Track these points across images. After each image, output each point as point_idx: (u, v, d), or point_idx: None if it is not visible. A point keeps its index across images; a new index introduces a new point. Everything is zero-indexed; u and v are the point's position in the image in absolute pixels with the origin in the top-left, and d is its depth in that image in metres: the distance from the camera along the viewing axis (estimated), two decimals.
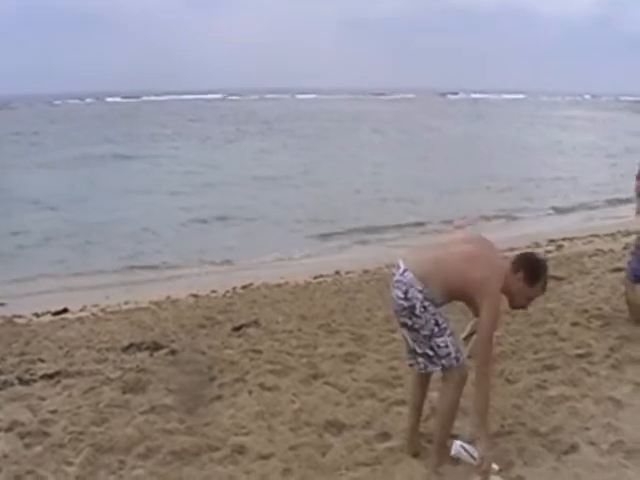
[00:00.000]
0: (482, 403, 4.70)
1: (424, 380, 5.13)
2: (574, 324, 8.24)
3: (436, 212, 21.79)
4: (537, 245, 15.79)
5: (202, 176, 31.45)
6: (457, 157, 37.71)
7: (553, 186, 27.56)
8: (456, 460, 4.86)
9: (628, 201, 17.60)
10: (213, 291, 13.17)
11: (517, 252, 5.03)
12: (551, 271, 11.66)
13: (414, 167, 33.34)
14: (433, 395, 5.45)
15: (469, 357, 5.05)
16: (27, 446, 5.57)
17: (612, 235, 16.36)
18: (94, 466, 5.17)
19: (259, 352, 7.99)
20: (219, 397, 6.57)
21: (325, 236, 19.65)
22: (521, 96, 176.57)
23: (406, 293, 4.69)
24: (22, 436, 5.74)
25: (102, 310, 12.22)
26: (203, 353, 8.15)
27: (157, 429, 5.78)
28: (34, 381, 7.40)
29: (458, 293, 4.76)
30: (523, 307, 5.05)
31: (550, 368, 6.79)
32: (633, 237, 8.40)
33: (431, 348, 4.75)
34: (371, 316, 9.59)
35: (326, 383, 6.77)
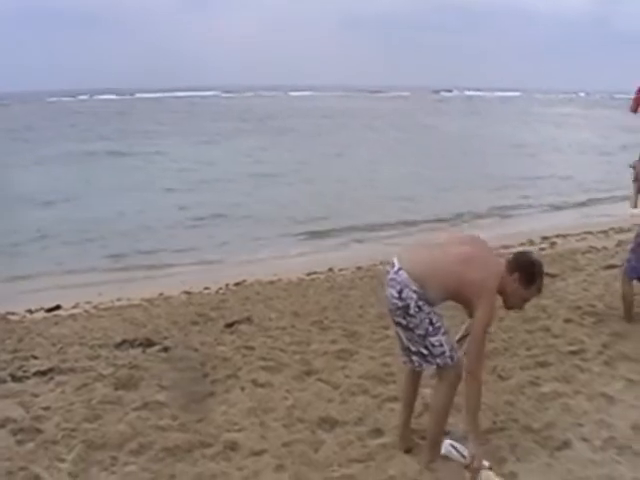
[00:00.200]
0: (473, 401, 4.70)
1: (416, 377, 5.14)
2: (567, 321, 8.26)
3: (431, 210, 21.81)
4: (531, 242, 15.81)
5: (196, 173, 31.41)
6: (451, 155, 37.69)
7: (547, 183, 27.57)
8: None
9: (621, 198, 17.62)
10: (206, 288, 13.16)
11: (513, 251, 5.01)
12: (544, 268, 11.74)
13: (408, 164, 33.31)
14: (425, 392, 5.46)
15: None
16: (19, 443, 5.55)
17: (605, 232, 16.39)
18: (86, 462, 5.16)
19: (252, 349, 7.99)
20: (212, 394, 6.56)
21: (319, 233, 19.63)
22: (516, 94, 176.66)
23: (400, 292, 4.69)
24: (14, 433, 5.72)
25: (95, 307, 12.20)
26: (196, 350, 8.14)
27: (149, 425, 5.77)
28: (27, 378, 7.37)
29: (454, 294, 4.75)
30: (518, 308, 5.05)
31: (543, 365, 6.80)
32: (629, 234, 8.40)
33: (425, 347, 4.75)
34: (364, 313, 9.60)
35: (319, 380, 6.77)
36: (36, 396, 6.71)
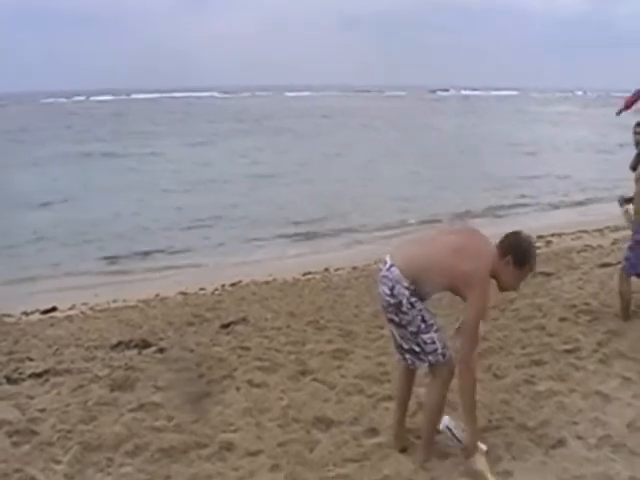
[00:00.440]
0: (468, 393, 4.69)
1: (410, 375, 5.13)
2: (562, 319, 8.26)
3: (428, 209, 21.82)
4: None
5: (193, 174, 31.39)
6: (449, 154, 37.71)
7: (544, 182, 27.58)
8: (443, 455, 4.88)
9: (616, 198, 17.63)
10: (202, 289, 13.18)
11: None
12: (540, 267, 11.73)
13: (405, 164, 33.30)
14: (420, 391, 5.46)
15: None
16: (15, 445, 5.54)
17: (600, 231, 16.42)
18: (82, 464, 5.16)
19: (247, 349, 7.99)
20: (207, 394, 6.56)
21: (315, 234, 19.66)
22: (514, 93, 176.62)
23: (392, 289, 4.69)
24: (10, 435, 5.71)
25: (91, 308, 12.22)
26: (191, 350, 8.14)
27: (145, 427, 5.77)
28: (22, 380, 7.37)
29: (447, 286, 4.74)
30: (514, 289, 5.01)
31: (538, 363, 6.80)
32: (624, 233, 8.40)
33: (418, 344, 4.75)
34: (359, 312, 9.60)
35: (314, 379, 6.77)
36: (32, 398, 6.70)
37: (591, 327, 7.88)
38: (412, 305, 4.67)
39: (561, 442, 5.07)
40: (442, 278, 4.69)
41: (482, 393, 5.98)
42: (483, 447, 4.76)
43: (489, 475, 4.66)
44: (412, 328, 4.71)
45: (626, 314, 8.02)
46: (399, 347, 4.94)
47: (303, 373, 7.00)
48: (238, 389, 6.64)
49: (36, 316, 11.87)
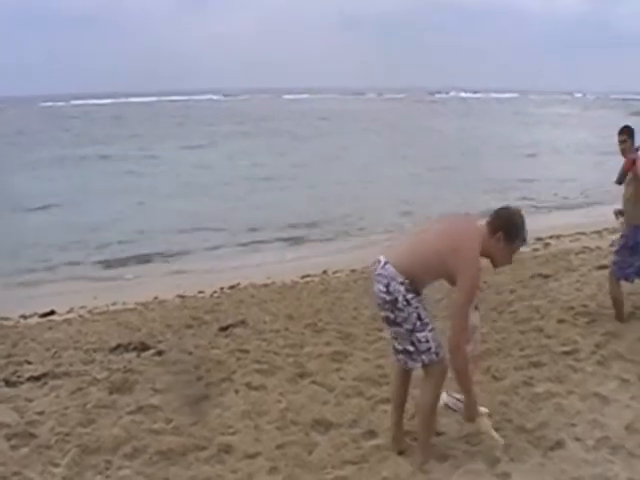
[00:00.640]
0: (463, 376, 4.73)
1: (406, 377, 5.13)
2: (560, 321, 8.27)
3: (428, 211, 21.83)
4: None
5: (191, 177, 31.42)
6: (448, 156, 37.71)
7: (543, 184, 27.58)
8: (442, 457, 4.89)
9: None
10: (200, 291, 13.18)
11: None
12: (538, 269, 11.75)
13: (405, 166, 33.35)
14: (417, 393, 5.46)
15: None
16: (13, 447, 5.55)
17: (599, 233, 16.41)
18: (81, 467, 5.16)
19: (246, 352, 7.99)
20: (206, 397, 6.56)
21: (314, 236, 19.68)
22: (514, 95, 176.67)
23: (387, 286, 4.70)
24: (8, 438, 5.72)
25: (89, 311, 12.21)
26: (190, 353, 8.14)
27: (144, 429, 5.77)
28: (21, 383, 7.37)
29: (439, 272, 4.75)
30: (507, 263, 4.96)
31: (536, 365, 6.81)
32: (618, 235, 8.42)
33: (412, 343, 4.75)
34: (358, 315, 9.61)
35: (313, 382, 6.78)
36: (30, 401, 6.71)
37: (589, 329, 7.89)
38: (408, 302, 4.68)
39: (559, 444, 5.08)
40: (432, 265, 4.71)
41: (480, 395, 5.97)
42: (484, 410, 4.80)
43: (493, 433, 4.70)
44: (407, 325, 4.72)
45: (621, 316, 8.05)
46: (393, 347, 4.96)
47: (302, 376, 7.01)
48: (237, 392, 6.65)
49: (34, 319, 11.87)
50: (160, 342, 8.87)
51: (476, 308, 5.04)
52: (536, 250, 14.81)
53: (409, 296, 4.69)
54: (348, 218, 21.75)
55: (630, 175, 7.83)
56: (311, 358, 7.58)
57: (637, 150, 7.93)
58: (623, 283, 8.15)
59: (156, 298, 12.75)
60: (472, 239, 4.69)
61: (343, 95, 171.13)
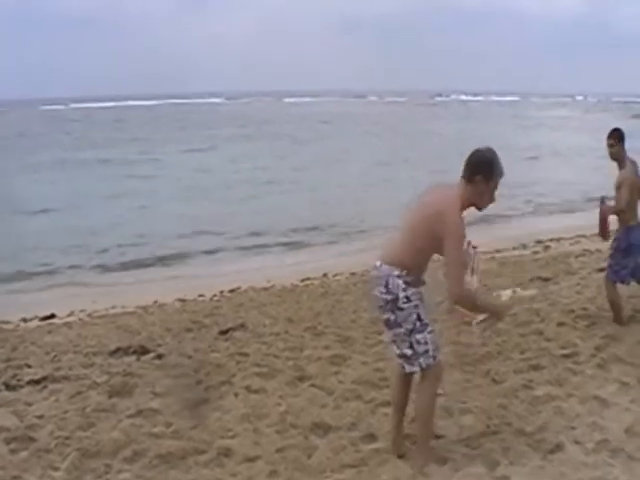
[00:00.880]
0: (478, 306, 4.90)
1: (406, 380, 5.12)
2: (560, 324, 8.28)
3: None
4: (524, 246, 15.83)
5: (192, 181, 31.43)
6: (449, 159, 37.68)
7: (542, 187, 27.58)
8: (442, 461, 4.89)
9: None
10: (200, 295, 13.18)
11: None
12: (538, 271, 11.75)
13: (405, 169, 33.35)
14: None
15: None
16: (13, 451, 5.54)
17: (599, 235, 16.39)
18: (80, 470, 5.15)
19: (246, 355, 8.00)
20: (206, 400, 6.56)
21: (314, 239, 19.71)
22: (515, 98, 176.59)
23: (387, 285, 4.71)
24: (8, 441, 5.71)
25: (89, 315, 12.22)
26: (190, 357, 8.15)
27: (143, 433, 5.77)
28: (21, 387, 7.37)
29: (432, 245, 4.70)
30: (492, 202, 4.92)
31: (536, 368, 6.81)
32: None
33: (410, 345, 4.74)
34: (357, 318, 9.61)
35: (312, 385, 6.77)
36: (30, 405, 6.70)
37: (589, 332, 7.90)
38: (408, 299, 4.69)
39: (559, 447, 5.08)
40: (423, 240, 4.69)
41: (480, 398, 6.01)
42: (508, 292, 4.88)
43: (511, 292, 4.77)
44: (408, 325, 4.72)
45: (620, 319, 8.05)
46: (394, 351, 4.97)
47: (301, 379, 7.01)
48: (236, 395, 6.65)
49: (34, 323, 11.88)
50: (160, 346, 8.87)
51: (473, 272, 5.07)
52: (536, 253, 14.83)
53: (409, 292, 4.70)
54: (349, 221, 21.75)
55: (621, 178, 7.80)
56: (310, 361, 7.58)
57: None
58: (622, 287, 8.15)
59: (156, 302, 12.76)
60: (451, 200, 4.69)
61: (344, 98, 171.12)
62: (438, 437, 5.24)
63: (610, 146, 7.84)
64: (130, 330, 10.28)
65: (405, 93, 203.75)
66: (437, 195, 4.80)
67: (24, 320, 12.03)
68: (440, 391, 5.72)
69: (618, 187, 7.77)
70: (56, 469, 5.21)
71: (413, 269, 4.76)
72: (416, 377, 5.09)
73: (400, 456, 5.05)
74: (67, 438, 5.71)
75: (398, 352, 4.83)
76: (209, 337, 9.23)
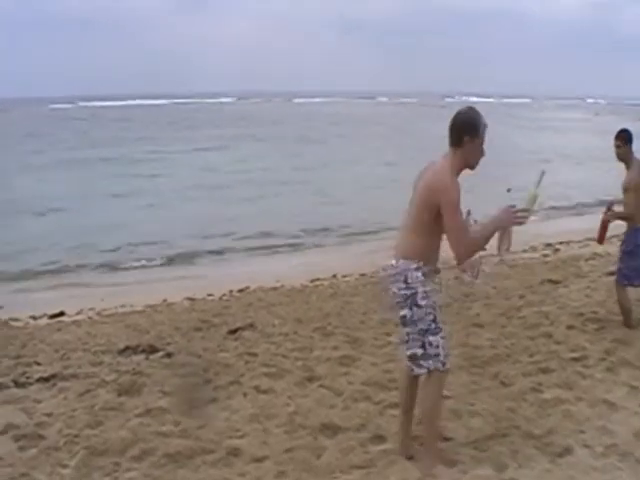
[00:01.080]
0: (478, 247, 4.80)
1: (414, 381, 5.10)
2: (569, 327, 8.25)
3: None
4: (533, 249, 15.80)
5: (201, 180, 31.44)
6: None
7: (550, 189, 27.50)
8: (450, 463, 4.88)
9: None
10: (209, 294, 13.19)
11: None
12: (547, 274, 11.73)
13: (414, 170, 33.28)
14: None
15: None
16: (22, 449, 5.57)
17: (609, 239, 16.34)
18: (89, 468, 5.16)
19: (254, 355, 7.99)
20: (214, 400, 6.56)
21: (323, 240, 19.73)
22: (526, 100, 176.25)
23: (406, 280, 4.70)
24: (17, 439, 5.74)
25: (98, 313, 12.24)
26: (198, 356, 8.15)
27: (152, 432, 5.77)
28: (30, 384, 7.39)
29: (437, 222, 4.69)
30: (483, 156, 4.95)
31: (545, 371, 6.78)
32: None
33: (422, 345, 4.73)
34: (366, 319, 9.59)
35: (321, 386, 6.76)
36: (39, 402, 6.73)
37: (598, 335, 7.86)
38: (426, 294, 4.70)
39: (568, 450, 5.06)
40: (427, 220, 4.70)
41: (489, 401, 5.99)
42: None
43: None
44: (422, 325, 4.71)
45: (630, 323, 8.01)
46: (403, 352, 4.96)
47: (310, 379, 7.00)
48: (245, 395, 6.64)
49: (44, 320, 11.91)
50: (169, 345, 8.88)
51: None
52: (545, 256, 14.80)
53: (428, 288, 4.71)
54: (357, 222, 21.74)
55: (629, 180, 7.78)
56: (320, 362, 7.57)
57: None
58: (632, 290, 8.12)
59: (165, 300, 12.78)
60: (441, 170, 4.74)
61: (352, 99, 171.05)
62: (446, 439, 5.23)
63: (617, 147, 7.82)
64: (139, 329, 10.30)
65: (414, 94, 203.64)
66: (428, 174, 4.81)
67: (33, 318, 12.07)
68: (448, 393, 5.74)
69: (626, 190, 7.75)
70: (65, 467, 5.22)
71: (428, 257, 4.77)
72: (422, 379, 5.08)
73: (408, 458, 5.03)
74: (76, 436, 5.72)
75: (408, 352, 4.82)
76: (218, 336, 9.24)
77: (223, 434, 5.70)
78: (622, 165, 7.91)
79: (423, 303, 4.69)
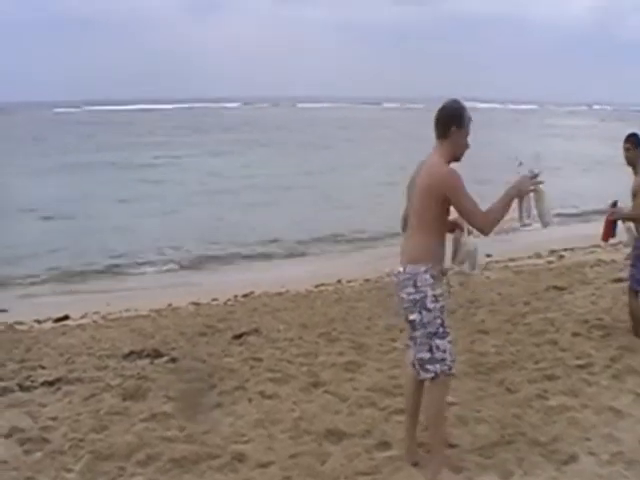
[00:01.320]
0: (500, 216, 4.87)
1: (419, 387, 5.09)
2: (575, 334, 8.22)
3: None
4: (538, 255, 15.79)
5: (207, 185, 31.58)
6: (467, 166, 37.61)
7: (556, 196, 27.40)
8: (456, 469, 4.87)
9: None
10: (214, 299, 13.19)
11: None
12: (552, 281, 11.71)
13: None
14: None
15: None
16: (27, 452, 5.57)
17: (614, 245, 16.31)
18: (93, 473, 5.16)
19: (259, 360, 7.99)
20: (219, 405, 6.56)
21: (328, 245, 19.74)
22: (533, 107, 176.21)
23: (415, 284, 4.69)
24: (22, 442, 5.74)
25: (103, 317, 12.25)
26: (203, 361, 8.15)
27: (157, 436, 5.77)
28: (34, 388, 7.40)
29: (442, 215, 4.78)
30: (467, 148, 4.98)
31: (550, 378, 6.76)
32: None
33: (430, 349, 4.72)
34: (372, 325, 9.58)
35: (326, 392, 6.75)
36: (43, 406, 6.73)
37: (604, 342, 7.83)
38: (435, 299, 4.69)
39: (573, 458, 5.05)
40: (431, 217, 4.73)
41: (494, 407, 5.98)
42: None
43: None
44: (431, 329, 4.71)
45: (638, 330, 7.96)
46: (408, 356, 4.95)
47: (315, 385, 6.99)
48: (250, 400, 6.63)
49: (48, 324, 11.92)
50: (173, 349, 8.89)
51: (469, 232, 5.06)
52: (550, 262, 14.79)
53: (437, 291, 4.71)
54: (364, 227, 21.74)
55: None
56: (325, 367, 7.56)
57: None
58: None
59: (170, 305, 12.78)
60: (435, 163, 4.79)
61: (354, 104, 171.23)
62: (452, 446, 5.22)
63: (626, 150, 7.80)
64: (144, 333, 10.31)
65: (421, 100, 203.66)
66: (423, 172, 4.82)
67: (38, 321, 12.08)
68: (454, 400, 5.73)
69: (635, 194, 7.72)
70: (69, 471, 5.22)
71: (436, 257, 4.78)
72: (427, 384, 5.07)
73: (414, 464, 5.02)
74: (81, 440, 5.72)
75: (417, 356, 4.80)
76: (223, 341, 9.24)
77: (228, 439, 5.69)
78: (629, 170, 7.88)
79: (432, 306, 4.69)
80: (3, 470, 5.22)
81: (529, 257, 15.32)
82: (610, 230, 8.08)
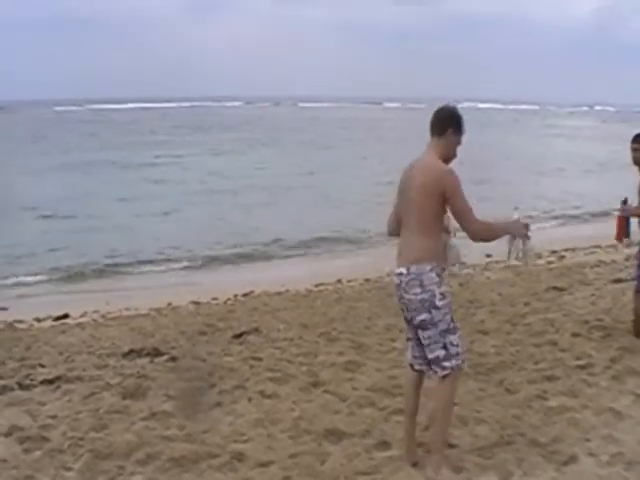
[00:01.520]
0: (492, 234, 4.92)
1: (418, 387, 5.08)
2: (575, 335, 8.21)
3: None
4: (539, 256, 15.78)
5: (209, 185, 31.60)
6: (467, 169, 37.62)
7: (557, 197, 27.48)
8: (456, 469, 4.86)
9: None
10: (214, 298, 13.19)
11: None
12: (552, 281, 11.71)
13: None
14: (428, 405, 5.42)
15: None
16: (26, 451, 5.56)
17: (614, 246, 16.30)
18: (93, 472, 5.14)
19: (259, 359, 7.98)
20: (219, 404, 6.55)
21: (328, 245, 19.73)
22: (534, 107, 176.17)
23: (422, 284, 4.68)
24: (21, 441, 5.73)
25: (102, 316, 12.25)
26: (203, 360, 8.14)
27: (156, 435, 5.76)
28: (34, 386, 7.40)
29: (440, 213, 4.77)
30: (455, 157, 4.98)
31: (550, 379, 6.75)
32: (636, 249, 8.33)
33: (444, 346, 4.71)
34: (372, 325, 9.58)
35: (326, 391, 6.74)
36: (43, 404, 6.73)
37: (604, 343, 7.82)
38: (443, 296, 4.70)
39: (573, 458, 5.03)
40: (430, 213, 4.73)
41: (494, 408, 5.97)
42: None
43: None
44: (443, 326, 4.70)
45: (639, 331, 7.94)
46: (420, 358, 4.91)
47: (315, 385, 6.98)
48: (250, 399, 6.63)
49: (48, 323, 11.93)
50: (173, 348, 8.88)
51: (448, 232, 5.12)
52: (551, 263, 14.77)
53: (443, 289, 4.73)
54: (365, 227, 21.72)
55: None
56: (324, 367, 7.55)
57: None
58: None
59: (170, 304, 12.78)
60: (432, 161, 4.80)
61: (355, 104, 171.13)
62: (452, 446, 5.20)
63: (634, 150, 7.75)
64: (143, 332, 10.30)
65: (423, 100, 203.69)
66: (419, 171, 4.81)
67: (38, 320, 12.09)
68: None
69: None
70: (69, 469, 5.20)
71: (439, 256, 4.80)
72: (427, 382, 5.06)
73: (414, 464, 5.01)
74: (80, 439, 5.71)
75: (432, 356, 4.76)
76: (223, 341, 9.23)
77: (228, 438, 5.68)
78: (635, 169, 7.84)
79: (441, 304, 4.69)
80: (3, 469, 5.21)
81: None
82: (623, 229, 8.04)
